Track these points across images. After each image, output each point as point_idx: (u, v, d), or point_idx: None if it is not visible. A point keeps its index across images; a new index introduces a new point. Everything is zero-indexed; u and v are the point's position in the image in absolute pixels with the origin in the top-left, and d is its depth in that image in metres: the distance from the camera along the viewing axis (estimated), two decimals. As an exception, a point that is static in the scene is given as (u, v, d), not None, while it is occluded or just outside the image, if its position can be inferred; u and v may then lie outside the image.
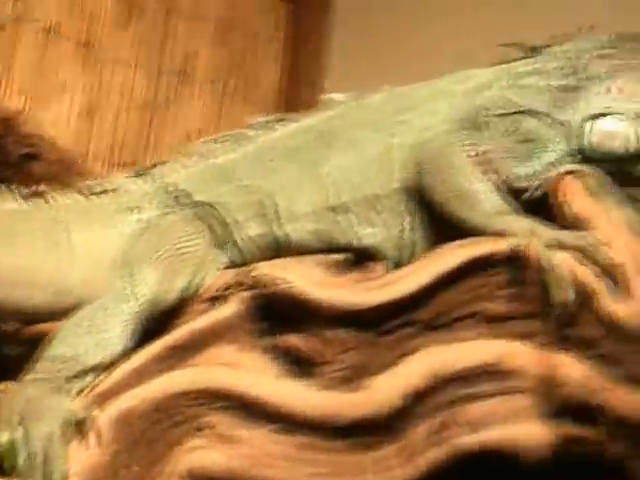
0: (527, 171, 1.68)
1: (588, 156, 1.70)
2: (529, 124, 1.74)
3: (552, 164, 1.70)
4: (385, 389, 1.38)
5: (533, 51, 1.83)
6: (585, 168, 1.67)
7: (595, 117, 1.69)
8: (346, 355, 1.46)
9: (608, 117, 1.68)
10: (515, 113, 1.75)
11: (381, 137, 1.82)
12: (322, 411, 1.37)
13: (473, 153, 1.65)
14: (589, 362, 1.48)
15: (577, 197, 1.62)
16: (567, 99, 1.73)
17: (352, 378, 1.43)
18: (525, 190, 1.69)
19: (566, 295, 1.47)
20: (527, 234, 1.52)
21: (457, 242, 1.52)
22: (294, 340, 1.49)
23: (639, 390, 1.45)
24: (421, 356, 1.42)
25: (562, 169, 1.69)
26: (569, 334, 1.50)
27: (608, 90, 1.69)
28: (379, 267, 1.67)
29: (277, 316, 1.52)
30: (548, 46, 1.82)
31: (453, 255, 1.49)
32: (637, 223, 1.61)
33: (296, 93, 3.26)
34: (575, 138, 1.70)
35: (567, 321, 1.49)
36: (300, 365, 1.47)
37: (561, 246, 1.51)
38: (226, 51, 3.29)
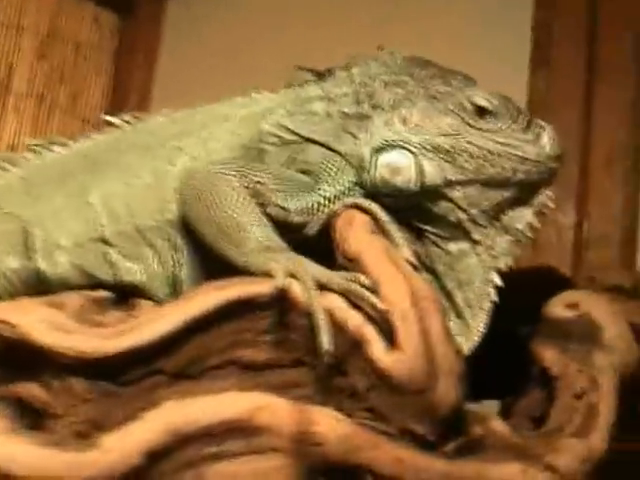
0: (304, 204, 1.55)
1: (375, 190, 1.57)
2: (308, 154, 1.62)
3: (335, 197, 1.57)
4: (117, 448, 1.22)
5: (322, 75, 1.71)
6: (368, 203, 1.55)
7: (379, 150, 1.57)
8: (80, 408, 1.31)
9: (392, 150, 1.56)
10: (294, 142, 1.63)
11: (156, 164, 1.67)
12: (44, 471, 1.20)
13: (243, 185, 1.50)
14: (356, 416, 1.36)
15: (356, 233, 1.50)
16: (352, 128, 1.61)
17: (85, 434, 1.27)
18: (305, 225, 1.55)
19: (332, 342, 1.33)
20: (294, 274, 1.38)
21: (215, 283, 1.38)
22: (24, 389, 1.33)
23: (406, 446, 1.35)
24: (163, 410, 1.27)
25: (344, 203, 1.56)
26: (335, 385, 1.38)
27: (392, 121, 1.58)
28: (143, 308, 1.50)
29: (11, 362, 1.34)
30: (340, 69, 1.69)
31: (208, 297, 1.34)
32: (416, 262, 1.50)
33: (125, 105, 3.07)
34: (361, 171, 1.58)
35: (334, 371, 1.37)
36: (31, 418, 1.29)
37: (327, 288, 1.38)
38: (47, 63, 3.08)
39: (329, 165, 1.60)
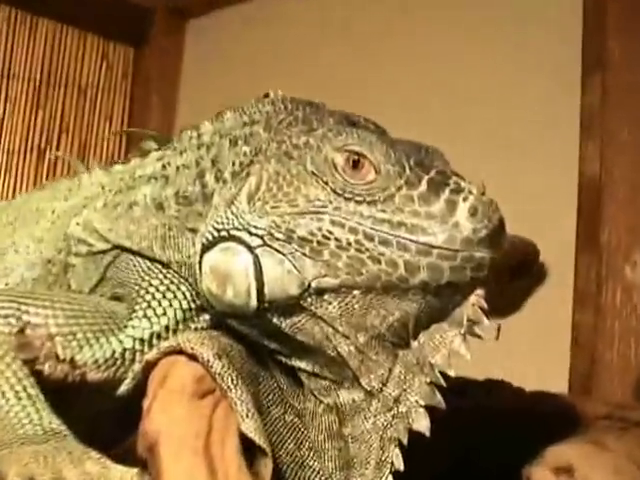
0: (106, 353, 1.02)
1: (215, 310, 1.02)
2: (122, 270, 1.09)
3: (156, 336, 1.04)
4: None
5: (165, 141, 1.17)
6: (192, 344, 0.99)
7: (207, 247, 1.00)
8: None
9: (219, 246, 0.99)
10: (103, 251, 1.11)
11: None
12: None
13: (10, 334, 0.99)
14: None
15: (164, 400, 0.97)
16: (191, 221, 1.07)
17: None
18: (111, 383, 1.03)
19: None
20: None
21: None
22: None
23: None
24: None
25: (161, 347, 1.02)
26: None
27: (235, 197, 1.00)
28: None
29: None
30: (189, 129, 1.15)
31: None
32: (262, 443, 0.94)
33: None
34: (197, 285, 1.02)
35: None
36: None
37: None
38: (46, 113, 2.57)
39: (148, 286, 1.05)
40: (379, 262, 0.93)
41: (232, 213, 1.00)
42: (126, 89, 2.86)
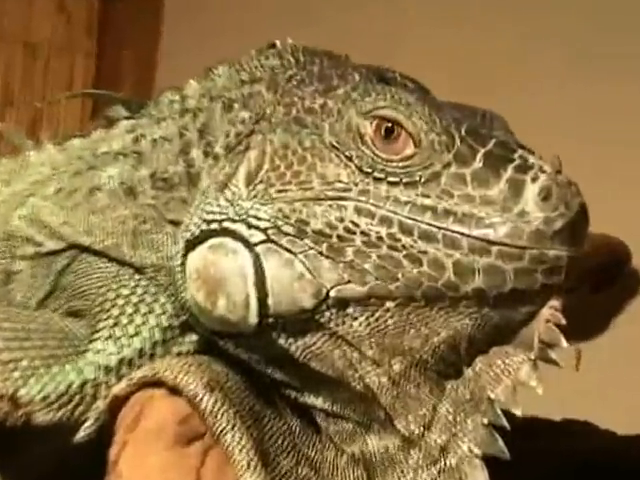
0: (60, 387, 1.02)
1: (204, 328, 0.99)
2: (80, 277, 1.08)
3: (127, 363, 1.03)
4: None
5: (138, 106, 1.15)
6: (176, 374, 0.97)
7: (193, 244, 0.97)
8: None
9: (210, 242, 0.97)
10: (56, 252, 1.09)
11: None
12: None
13: None
14: None
15: (135, 450, 0.96)
16: (173, 211, 1.05)
17: None
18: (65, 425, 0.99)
19: None
20: None
21: None
22: None
23: None
24: None
25: (137, 376, 1.00)
26: None
27: (228, 179, 0.98)
28: None
29: None
30: (170, 91, 1.13)
31: None
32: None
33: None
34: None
35: None
36: None
37: None
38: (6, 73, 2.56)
39: (115, 298, 1.04)
40: (420, 263, 0.90)
41: (226, 199, 0.96)
42: (90, 49, 2.85)
